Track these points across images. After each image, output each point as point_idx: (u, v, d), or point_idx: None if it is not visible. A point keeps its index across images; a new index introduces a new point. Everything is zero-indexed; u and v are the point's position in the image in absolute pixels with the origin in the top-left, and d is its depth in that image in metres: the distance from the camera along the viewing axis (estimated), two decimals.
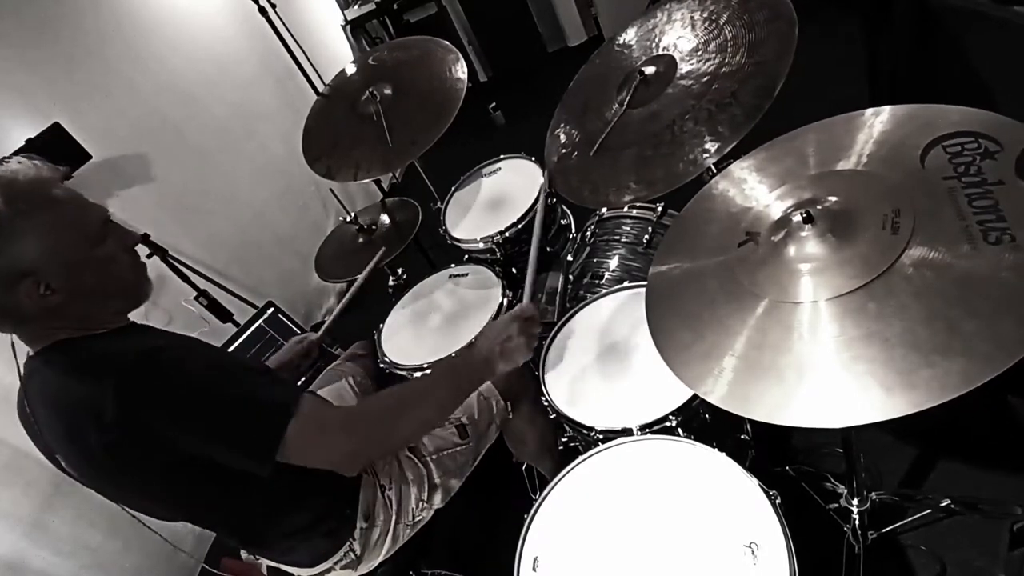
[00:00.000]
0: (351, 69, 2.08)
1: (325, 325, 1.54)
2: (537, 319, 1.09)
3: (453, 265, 1.86)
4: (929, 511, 1.30)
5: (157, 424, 0.82)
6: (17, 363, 0.90)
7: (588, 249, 1.72)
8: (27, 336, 0.88)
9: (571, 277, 1.72)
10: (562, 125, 1.51)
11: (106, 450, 0.84)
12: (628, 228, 1.68)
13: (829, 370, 0.72)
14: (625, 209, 1.69)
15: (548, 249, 1.94)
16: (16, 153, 1.54)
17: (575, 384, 1.32)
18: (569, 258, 1.75)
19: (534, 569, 1.00)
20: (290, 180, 2.96)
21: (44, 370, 0.87)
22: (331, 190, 2.24)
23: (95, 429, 0.82)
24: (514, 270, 1.87)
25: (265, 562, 1.19)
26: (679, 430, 1.14)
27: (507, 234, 1.79)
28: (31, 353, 0.89)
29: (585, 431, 1.21)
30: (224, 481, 0.93)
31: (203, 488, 0.93)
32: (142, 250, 1.86)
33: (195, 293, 2.09)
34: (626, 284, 1.46)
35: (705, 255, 0.98)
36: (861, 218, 0.82)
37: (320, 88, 2.21)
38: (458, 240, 1.89)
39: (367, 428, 0.95)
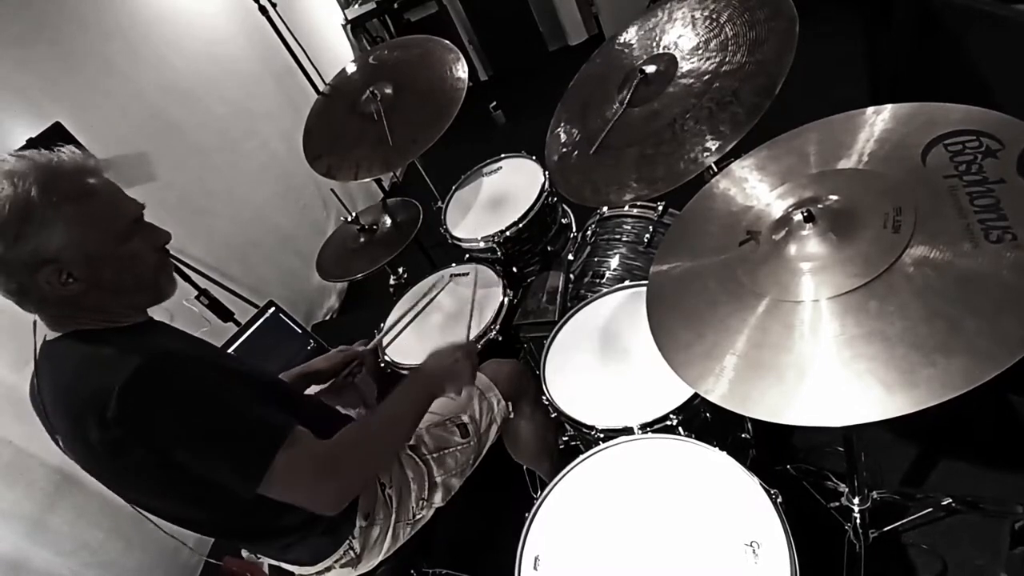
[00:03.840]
0: (351, 68, 2.08)
1: (376, 339, 1.54)
2: (475, 355, 1.21)
3: (454, 264, 1.87)
4: (930, 510, 1.30)
5: (152, 428, 0.83)
6: (35, 341, 0.92)
7: (589, 248, 1.72)
8: (47, 319, 0.90)
9: (572, 276, 1.72)
10: (563, 124, 1.51)
11: (106, 446, 0.85)
12: (629, 227, 1.68)
13: (830, 369, 0.72)
14: (626, 208, 1.69)
15: (549, 248, 1.94)
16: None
17: (576, 383, 1.32)
18: (570, 257, 1.75)
19: (535, 568, 1.00)
20: (291, 179, 2.96)
21: (58, 358, 0.89)
22: (332, 190, 2.24)
23: (97, 425, 0.83)
24: (514, 269, 1.88)
25: (266, 560, 1.19)
26: (680, 429, 1.15)
27: (508, 233, 1.79)
28: (48, 338, 0.91)
29: (586, 430, 1.21)
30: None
31: (203, 488, 0.93)
32: None
33: (196, 292, 2.09)
34: (627, 283, 1.46)
35: (706, 254, 0.98)
36: (862, 217, 0.82)
37: (320, 87, 2.21)
38: (459, 239, 1.89)
39: (347, 468, 0.94)
